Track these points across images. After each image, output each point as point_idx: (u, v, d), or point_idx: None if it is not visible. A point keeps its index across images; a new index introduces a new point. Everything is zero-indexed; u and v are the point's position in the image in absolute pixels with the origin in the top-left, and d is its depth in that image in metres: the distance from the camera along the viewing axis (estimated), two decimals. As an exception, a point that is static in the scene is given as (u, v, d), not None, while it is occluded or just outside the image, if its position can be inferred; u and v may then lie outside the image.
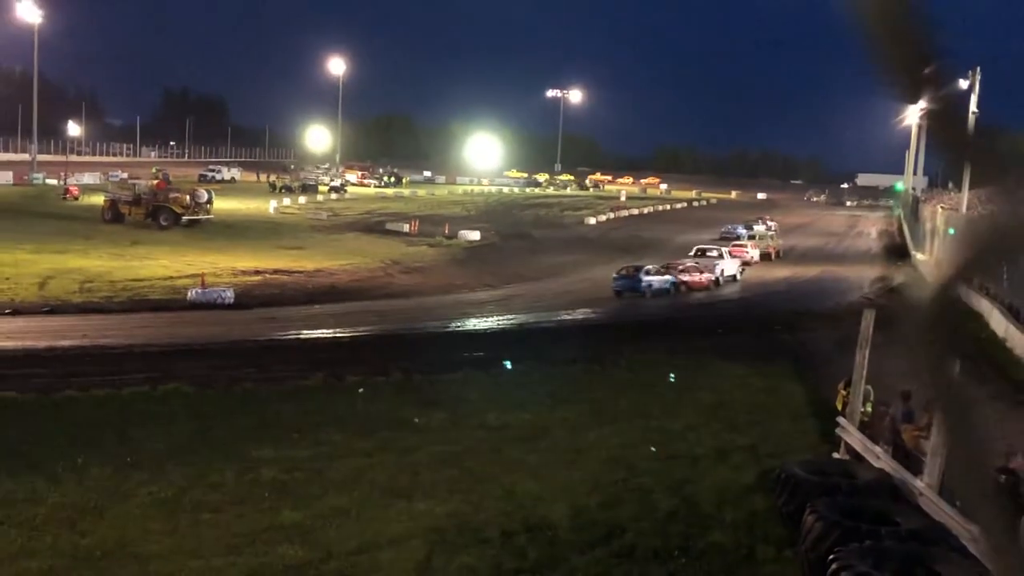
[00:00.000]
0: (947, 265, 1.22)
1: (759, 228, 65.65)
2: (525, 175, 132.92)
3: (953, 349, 1.21)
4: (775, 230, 66.40)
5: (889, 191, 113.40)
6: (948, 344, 1.19)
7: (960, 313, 1.16)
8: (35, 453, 14.22)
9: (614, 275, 39.73)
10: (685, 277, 41.64)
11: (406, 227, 59.71)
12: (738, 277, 46.37)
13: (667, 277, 40.51)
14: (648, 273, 39.61)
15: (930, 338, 1.20)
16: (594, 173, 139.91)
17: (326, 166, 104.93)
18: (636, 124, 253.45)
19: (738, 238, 57.88)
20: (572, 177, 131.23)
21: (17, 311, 28.35)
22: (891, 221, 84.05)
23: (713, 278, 43.17)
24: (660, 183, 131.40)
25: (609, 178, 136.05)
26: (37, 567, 10.24)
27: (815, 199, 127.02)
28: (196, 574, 10.17)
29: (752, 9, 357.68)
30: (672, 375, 21.66)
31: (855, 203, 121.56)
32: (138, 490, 12.83)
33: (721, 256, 46.68)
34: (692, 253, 47.55)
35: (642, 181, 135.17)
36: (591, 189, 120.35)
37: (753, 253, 52.97)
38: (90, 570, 10.23)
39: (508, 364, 23.05)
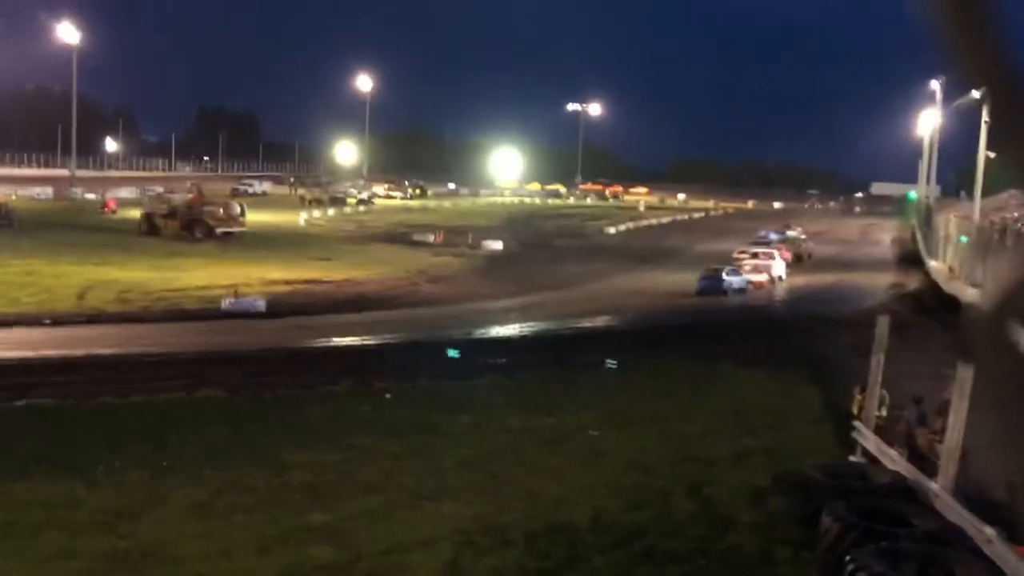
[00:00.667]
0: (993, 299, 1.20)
1: (791, 233, 66.53)
2: (540, 187, 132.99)
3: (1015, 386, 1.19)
4: (805, 236, 66.99)
5: (902, 200, 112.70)
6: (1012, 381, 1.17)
7: (1014, 348, 1.14)
8: (74, 458, 14.27)
9: (699, 277, 42.61)
10: (752, 277, 44.23)
11: (431, 238, 59.80)
12: (783, 277, 48.04)
13: (744, 277, 43.28)
14: (728, 274, 42.52)
15: (991, 350, 1.18)
16: (597, 182, 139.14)
17: (360, 182, 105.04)
18: (654, 136, 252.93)
19: (769, 244, 58.27)
20: (562, 186, 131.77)
21: (57, 321, 28.57)
22: (905, 229, 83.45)
23: (769, 278, 45.78)
24: (648, 193, 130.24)
25: (600, 187, 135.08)
26: (76, 568, 10.28)
27: (818, 206, 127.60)
28: (229, 574, 10.19)
29: (768, 23, 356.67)
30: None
31: (862, 210, 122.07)
32: (174, 493, 12.88)
33: (773, 257, 49.24)
34: (746, 255, 49.61)
35: (631, 190, 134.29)
36: (610, 200, 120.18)
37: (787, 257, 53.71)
38: (127, 571, 10.26)
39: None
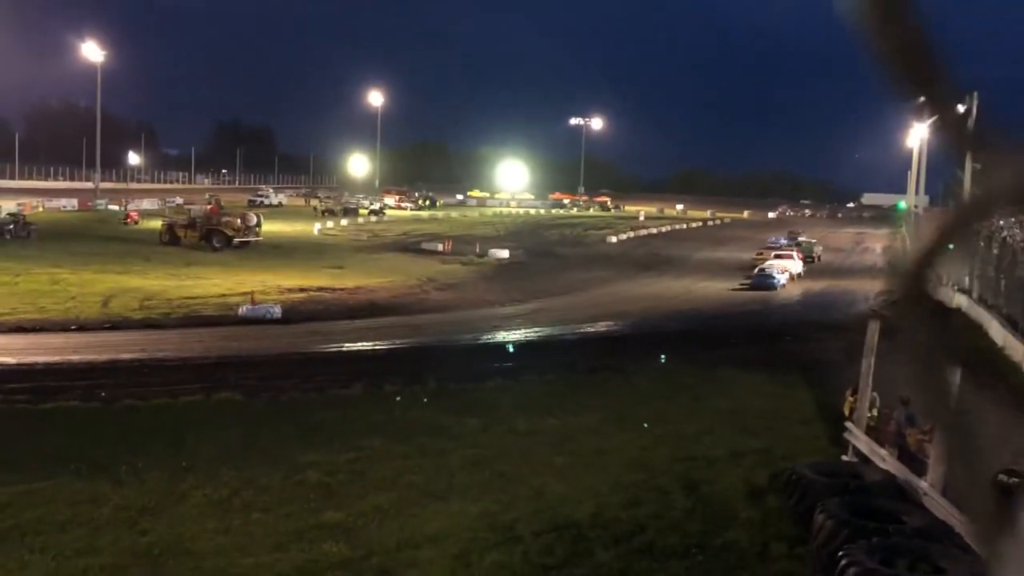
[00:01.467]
0: (912, 254, 1.24)
1: (803, 239, 69.41)
2: (532, 196, 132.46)
3: (933, 339, 1.22)
4: (815, 241, 69.90)
5: (892, 209, 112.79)
6: (928, 334, 1.20)
7: (931, 302, 1.18)
8: (98, 458, 14.37)
9: (753, 273, 49.21)
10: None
11: (440, 247, 59.85)
12: (801, 275, 52.55)
13: (785, 274, 49.27)
14: (776, 272, 48.88)
15: (918, 335, 1.21)
16: (600, 194, 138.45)
17: (369, 198, 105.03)
18: (654, 148, 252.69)
19: (782, 248, 62.08)
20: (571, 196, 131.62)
21: (82, 327, 28.68)
22: (896, 237, 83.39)
23: (791, 275, 50.55)
24: (608, 201, 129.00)
25: (604, 199, 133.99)
26: (100, 564, 10.34)
27: (789, 213, 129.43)
28: (247, 570, 10.23)
29: (766, 41, 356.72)
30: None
31: (843, 216, 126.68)
32: (193, 492, 12.94)
33: (792, 259, 54.73)
34: (766, 257, 54.98)
35: (596, 198, 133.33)
36: (612, 210, 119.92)
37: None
38: (149, 566, 10.31)
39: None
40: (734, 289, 47.89)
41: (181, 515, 12.02)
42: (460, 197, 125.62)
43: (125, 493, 12.78)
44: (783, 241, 68.30)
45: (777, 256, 55.25)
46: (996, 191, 1.14)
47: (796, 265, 53.49)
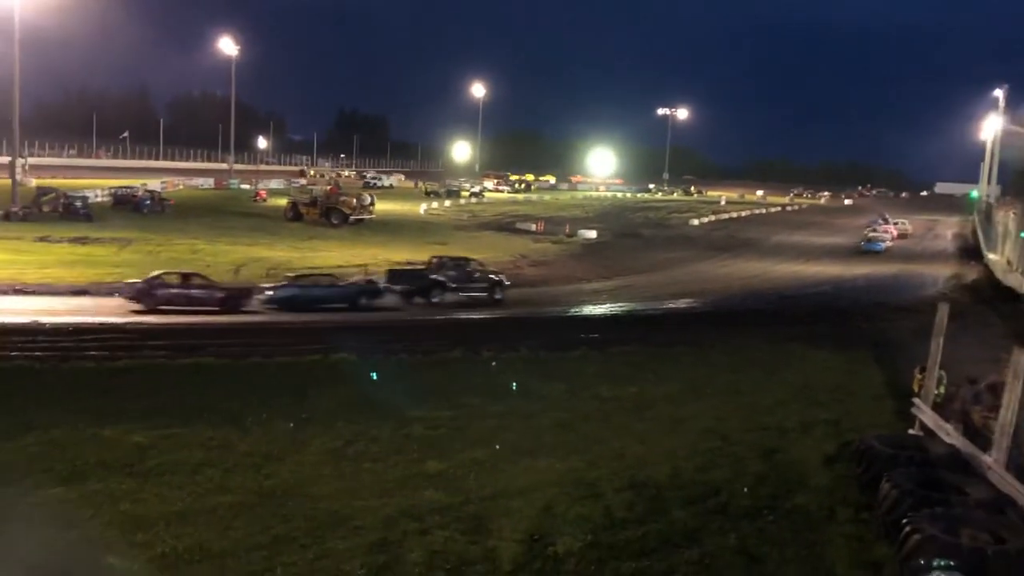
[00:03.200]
0: None
1: (899, 220, 76.38)
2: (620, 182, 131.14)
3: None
4: (906, 221, 76.52)
5: (964, 198, 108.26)
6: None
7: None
8: (230, 408, 14.71)
9: (865, 239, 61.22)
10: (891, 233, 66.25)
11: (533, 227, 59.88)
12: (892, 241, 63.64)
13: (886, 242, 61.19)
14: (880, 240, 60.83)
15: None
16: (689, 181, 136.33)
17: (469, 182, 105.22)
18: (735, 137, 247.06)
19: (886, 223, 71.68)
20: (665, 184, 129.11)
21: (217, 292, 29.55)
22: (966, 224, 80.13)
23: (891, 239, 63.58)
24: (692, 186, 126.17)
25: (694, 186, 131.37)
26: (229, 501, 10.60)
27: (873, 192, 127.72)
28: (357, 512, 10.39)
29: (847, 35, 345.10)
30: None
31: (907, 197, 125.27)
32: (312, 441, 13.15)
33: (890, 232, 66.67)
34: (877, 222, 70.37)
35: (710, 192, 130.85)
36: (695, 194, 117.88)
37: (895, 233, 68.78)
38: (272, 506, 10.53)
39: None
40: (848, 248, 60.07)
41: (301, 461, 12.24)
42: (552, 181, 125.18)
43: (252, 440, 13.06)
44: (880, 221, 73.96)
45: (879, 229, 66.70)
46: None
47: (890, 236, 65.12)
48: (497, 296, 31.43)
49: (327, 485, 11.35)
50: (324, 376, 17.71)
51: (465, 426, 14.42)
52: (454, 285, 30.74)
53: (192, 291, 26.41)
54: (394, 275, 31.30)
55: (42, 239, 39.24)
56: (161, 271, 27.98)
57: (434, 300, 30.12)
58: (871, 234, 62.99)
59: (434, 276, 30.81)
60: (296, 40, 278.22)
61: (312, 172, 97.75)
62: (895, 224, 72.03)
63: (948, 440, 12.40)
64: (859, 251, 58.81)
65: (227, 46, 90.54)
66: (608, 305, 33.21)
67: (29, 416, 13.60)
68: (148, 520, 9.83)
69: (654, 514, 10.69)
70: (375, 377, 17.88)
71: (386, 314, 27.02)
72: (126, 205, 55.57)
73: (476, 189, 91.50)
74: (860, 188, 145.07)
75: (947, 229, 79.25)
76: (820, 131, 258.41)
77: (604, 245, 55.04)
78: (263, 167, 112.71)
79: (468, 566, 8.96)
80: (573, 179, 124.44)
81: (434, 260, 32.54)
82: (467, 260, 33.30)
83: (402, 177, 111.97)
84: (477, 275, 31.84)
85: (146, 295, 25.72)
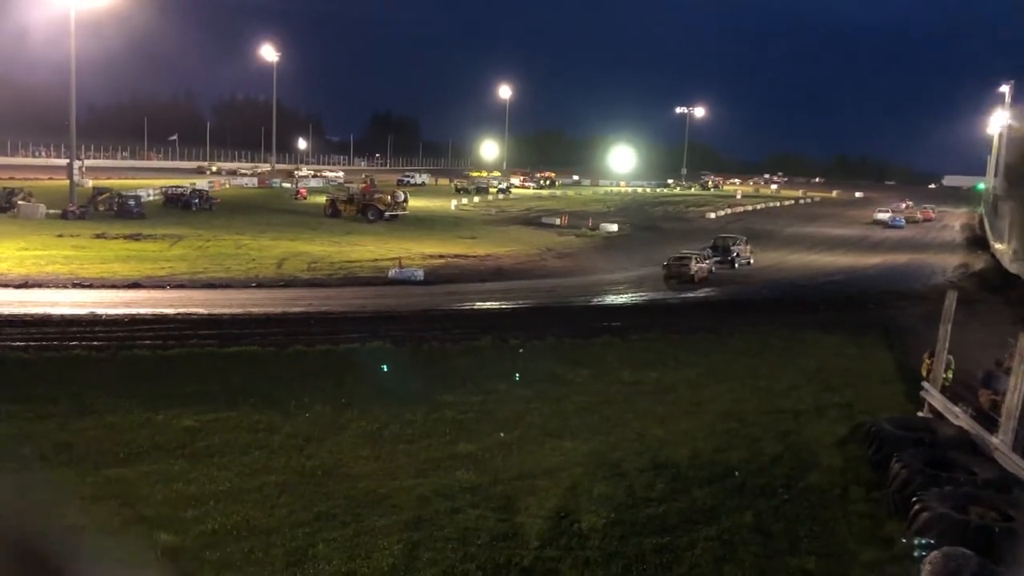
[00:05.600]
0: None
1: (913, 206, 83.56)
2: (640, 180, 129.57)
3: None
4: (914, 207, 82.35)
5: (971, 191, 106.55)
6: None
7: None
8: (273, 393, 14.80)
9: (887, 220, 70.54)
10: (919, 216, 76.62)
11: (558, 221, 59.68)
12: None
13: (902, 220, 71.40)
14: (901, 220, 70.89)
15: None
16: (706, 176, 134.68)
17: (497, 178, 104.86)
18: (750, 133, 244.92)
19: (901, 210, 77.93)
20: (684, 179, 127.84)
21: (260, 284, 29.80)
22: (973, 216, 78.91)
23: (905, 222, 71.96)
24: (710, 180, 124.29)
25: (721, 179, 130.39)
26: (274, 481, 10.69)
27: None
28: (393, 491, 10.45)
29: (855, 34, 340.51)
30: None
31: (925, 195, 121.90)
32: (350, 424, 13.22)
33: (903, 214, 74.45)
34: (901, 207, 79.50)
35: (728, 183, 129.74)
36: (711, 189, 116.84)
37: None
38: (313, 485, 10.61)
39: None
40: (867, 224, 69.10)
41: (340, 443, 12.32)
42: (575, 178, 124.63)
43: (294, 423, 13.15)
44: (901, 205, 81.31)
45: (902, 212, 75.69)
46: None
47: (918, 216, 75.74)
48: (736, 265, 42.43)
49: (365, 466, 11.42)
50: (361, 362, 17.78)
51: (493, 410, 14.44)
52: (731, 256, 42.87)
53: None
54: (715, 248, 42.93)
55: (98, 236, 39.69)
56: None
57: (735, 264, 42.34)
58: (888, 214, 72.61)
59: (732, 248, 43.59)
60: (332, 45, 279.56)
61: (304, 172, 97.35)
62: (921, 208, 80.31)
63: (956, 422, 12.26)
64: (871, 242, 58.74)
65: (268, 52, 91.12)
66: (630, 295, 33.07)
67: (87, 401, 13.79)
68: (198, 498, 9.94)
69: (675, 493, 10.67)
70: (408, 364, 17.95)
71: (417, 304, 27.07)
72: (176, 203, 56.13)
73: (504, 186, 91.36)
74: (871, 185, 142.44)
75: (955, 220, 78.08)
76: (832, 126, 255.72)
77: (625, 238, 54.78)
78: (303, 167, 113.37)
79: (498, 542, 8.98)
80: (540, 174, 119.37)
81: (717, 239, 45.11)
82: (734, 240, 45.02)
83: (429, 175, 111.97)
84: (736, 251, 43.60)
85: None
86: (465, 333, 21.64)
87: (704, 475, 11.37)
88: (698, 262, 36.71)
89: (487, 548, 8.83)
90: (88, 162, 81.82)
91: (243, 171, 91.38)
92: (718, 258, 41.26)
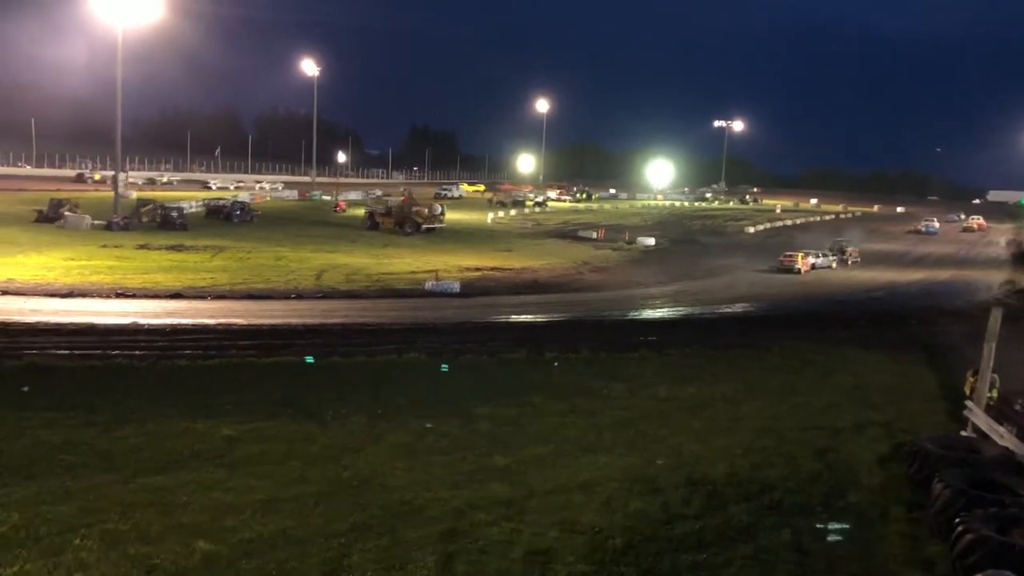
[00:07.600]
0: None
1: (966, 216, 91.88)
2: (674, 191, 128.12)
3: None
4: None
5: (1016, 206, 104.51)
6: None
7: None
8: (310, 404, 14.89)
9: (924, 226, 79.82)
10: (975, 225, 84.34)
11: (594, 234, 59.67)
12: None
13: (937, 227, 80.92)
14: (935, 226, 79.79)
15: None
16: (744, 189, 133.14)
17: (534, 192, 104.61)
18: (789, 147, 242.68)
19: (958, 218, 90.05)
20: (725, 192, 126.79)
21: (299, 295, 30.13)
22: (1020, 231, 77.33)
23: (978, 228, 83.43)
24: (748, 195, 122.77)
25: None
26: (310, 491, 10.71)
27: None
28: (428, 503, 10.44)
29: (896, 50, 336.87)
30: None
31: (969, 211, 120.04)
32: (386, 435, 13.22)
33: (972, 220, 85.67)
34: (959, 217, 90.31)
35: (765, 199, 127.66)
36: (751, 203, 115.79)
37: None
38: (349, 495, 10.62)
39: None
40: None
41: (376, 454, 12.33)
42: (612, 191, 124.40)
43: (331, 434, 13.20)
44: (954, 217, 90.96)
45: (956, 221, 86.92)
46: None
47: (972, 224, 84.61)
48: (849, 263, 53.13)
49: (400, 477, 11.41)
50: (397, 374, 17.84)
51: (528, 423, 14.39)
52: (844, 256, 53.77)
53: None
54: (832, 250, 54.05)
55: (142, 247, 40.45)
56: None
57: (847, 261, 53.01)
58: (925, 222, 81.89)
59: (846, 249, 54.77)
60: (371, 60, 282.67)
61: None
62: (972, 219, 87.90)
63: (1001, 442, 11.99)
64: (913, 257, 58.86)
65: (309, 67, 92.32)
66: (666, 309, 32.90)
67: (128, 409, 14.00)
68: (236, 507, 10.02)
69: (711, 510, 10.54)
70: (444, 375, 17.98)
71: (453, 316, 27.14)
72: (218, 215, 57.00)
73: (540, 199, 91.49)
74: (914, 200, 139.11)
75: (1000, 235, 76.60)
76: (873, 141, 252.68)
77: (662, 251, 54.58)
78: (342, 179, 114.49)
79: (532, 556, 8.95)
80: (503, 187, 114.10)
81: (833, 243, 56.34)
82: (847, 243, 56.51)
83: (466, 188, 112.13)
84: (848, 252, 54.69)
85: None
86: (501, 345, 21.64)
87: (741, 492, 11.22)
88: (804, 258, 48.51)
89: (521, 562, 8.79)
90: (133, 174, 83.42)
91: (239, 185, 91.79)
92: (835, 257, 52.48)
